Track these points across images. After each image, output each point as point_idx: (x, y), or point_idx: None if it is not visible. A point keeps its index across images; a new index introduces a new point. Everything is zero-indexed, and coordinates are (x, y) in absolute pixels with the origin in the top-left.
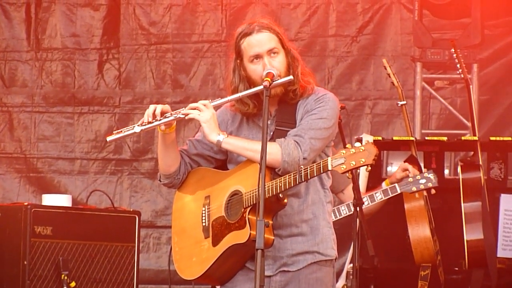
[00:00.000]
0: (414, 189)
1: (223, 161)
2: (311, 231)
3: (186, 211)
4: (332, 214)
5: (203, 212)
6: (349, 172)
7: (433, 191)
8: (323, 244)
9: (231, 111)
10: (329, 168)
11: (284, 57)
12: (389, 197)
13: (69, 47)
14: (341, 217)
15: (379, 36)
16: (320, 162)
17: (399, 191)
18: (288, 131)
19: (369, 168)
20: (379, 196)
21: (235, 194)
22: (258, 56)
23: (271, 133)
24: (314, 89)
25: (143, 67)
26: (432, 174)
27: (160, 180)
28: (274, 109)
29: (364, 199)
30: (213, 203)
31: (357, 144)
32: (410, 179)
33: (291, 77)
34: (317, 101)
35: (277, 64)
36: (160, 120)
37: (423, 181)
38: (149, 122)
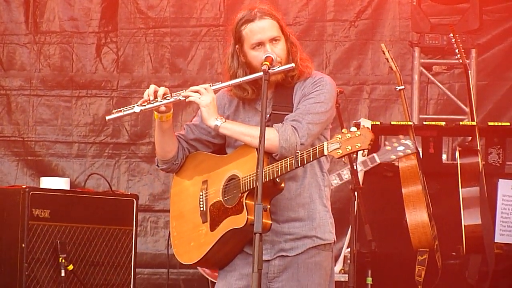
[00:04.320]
0: (393, 157)
1: (221, 145)
2: (308, 215)
3: (184, 195)
4: (336, 178)
5: (201, 196)
6: (345, 156)
7: (412, 158)
8: (321, 229)
9: (228, 96)
10: (325, 153)
11: (284, 44)
12: (368, 168)
13: (67, 31)
14: (343, 181)
15: (377, 21)
16: (316, 147)
17: (378, 161)
18: (285, 114)
19: (365, 152)
20: (359, 167)
21: (232, 179)
22: (260, 43)
23: (268, 116)
24: (311, 72)
25: (141, 51)
26: (409, 140)
27: (158, 166)
28: (271, 92)
29: (344, 172)
30: (211, 188)
31: (353, 128)
32: (388, 147)
33: (292, 64)
34: (314, 84)
35: (278, 51)
36: (160, 101)
37: (401, 148)
38: (149, 102)
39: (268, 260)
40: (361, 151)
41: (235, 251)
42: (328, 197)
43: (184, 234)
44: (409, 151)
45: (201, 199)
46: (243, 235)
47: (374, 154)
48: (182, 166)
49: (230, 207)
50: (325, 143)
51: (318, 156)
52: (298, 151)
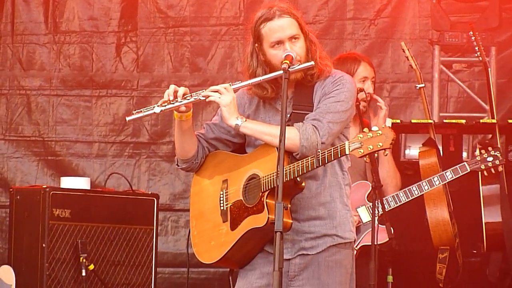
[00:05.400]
0: (482, 167)
1: (240, 144)
2: (329, 214)
3: (204, 195)
4: (392, 201)
5: (221, 196)
6: (367, 156)
7: (500, 169)
8: (341, 227)
9: (248, 95)
10: (347, 152)
11: (303, 42)
12: (459, 175)
13: (87, 30)
14: (400, 203)
15: (397, 19)
16: (338, 146)
17: (468, 170)
18: (305, 114)
19: (387, 152)
20: (449, 175)
21: (253, 178)
22: (279, 42)
23: (288, 115)
24: (331, 71)
25: (161, 50)
26: (498, 152)
27: (178, 165)
28: (291, 91)
29: (435, 179)
30: (231, 187)
31: (375, 128)
32: (478, 157)
33: (312, 62)
34: (334, 83)
35: (298, 49)
36: (180, 101)
37: (490, 159)
38: (170, 102)
39: (289, 259)
40: (382, 151)
41: (256, 250)
42: (348, 196)
43: (204, 233)
44: (497, 162)
45: (221, 198)
46: (263, 234)
47: (465, 163)
48: (202, 165)
49: (250, 206)
50: (347, 142)
51: (339, 156)
52: (319, 150)
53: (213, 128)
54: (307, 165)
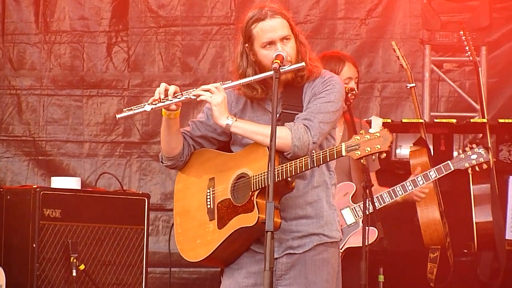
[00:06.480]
0: (466, 165)
1: (226, 142)
2: (316, 213)
3: (189, 192)
4: (376, 202)
5: (208, 194)
6: (364, 157)
7: (485, 166)
8: (328, 226)
9: (235, 94)
10: (343, 154)
11: (294, 43)
12: (443, 174)
13: (77, 30)
14: (384, 204)
15: (388, 19)
16: (334, 148)
17: (452, 169)
18: (295, 114)
19: (384, 154)
20: (433, 174)
21: (242, 177)
22: (271, 42)
23: (278, 115)
24: (320, 72)
25: (152, 50)
26: (483, 149)
27: (162, 162)
28: (280, 92)
29: (419, 179)
30: (218, 186)
31: (372, 130)
32: (462, 155)
33: (303, 63)
34: (324, 84)
35: (289, 50)
36: (171, 99)
37: (474, 156)
38: (160, 101)
39: (276, 258)
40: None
41: (243, 249)
42: (334, 196)
43: (190, 232)
44: (482, 160)
45: (208, 197)
46: (251, 234)
47: (449, 162)
48: (187, 163)
49: (239, 205)
50: (343, 144)
51: (335, 157)
52: (314, 151)
53: (199, 126)
54: (300, 165)
